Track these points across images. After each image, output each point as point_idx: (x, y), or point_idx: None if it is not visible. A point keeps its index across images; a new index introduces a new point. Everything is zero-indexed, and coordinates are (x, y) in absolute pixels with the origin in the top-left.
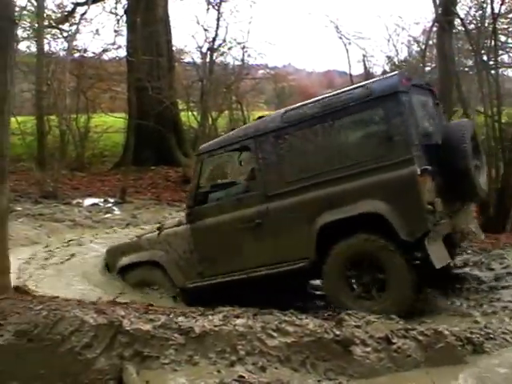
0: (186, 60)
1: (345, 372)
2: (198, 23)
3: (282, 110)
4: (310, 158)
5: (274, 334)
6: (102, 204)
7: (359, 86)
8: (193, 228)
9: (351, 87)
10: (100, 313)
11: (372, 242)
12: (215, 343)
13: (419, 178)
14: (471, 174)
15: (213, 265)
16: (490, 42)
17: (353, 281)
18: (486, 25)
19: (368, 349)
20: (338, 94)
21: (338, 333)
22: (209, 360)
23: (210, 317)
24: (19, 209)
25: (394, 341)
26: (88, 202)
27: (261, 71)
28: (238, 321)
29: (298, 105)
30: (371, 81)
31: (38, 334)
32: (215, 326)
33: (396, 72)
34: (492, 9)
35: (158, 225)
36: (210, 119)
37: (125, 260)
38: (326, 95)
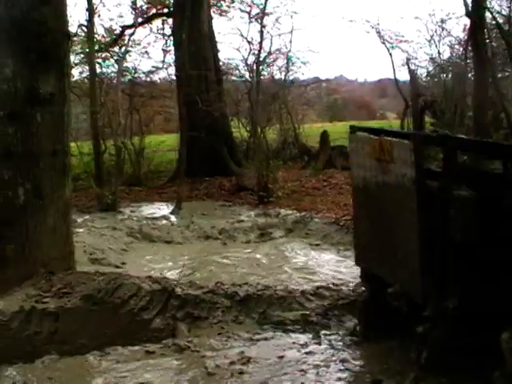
0: (234, 73)
1: None
2: (242, 36)
3: None
4: None
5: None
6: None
7: None
8: None
9: None
10: (154, 281)
11: None
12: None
13: None
14: None
15: None
16: None
17: None
18: None
19: None
20: None
21: None
22: (252, 320)
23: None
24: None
25: None
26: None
27: (312, 85)
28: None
29: None
30: None
31: (101, 297)
32: (258, 290)
33: None
34: None
35: None
36: (260, 130)
37: None
38: None
